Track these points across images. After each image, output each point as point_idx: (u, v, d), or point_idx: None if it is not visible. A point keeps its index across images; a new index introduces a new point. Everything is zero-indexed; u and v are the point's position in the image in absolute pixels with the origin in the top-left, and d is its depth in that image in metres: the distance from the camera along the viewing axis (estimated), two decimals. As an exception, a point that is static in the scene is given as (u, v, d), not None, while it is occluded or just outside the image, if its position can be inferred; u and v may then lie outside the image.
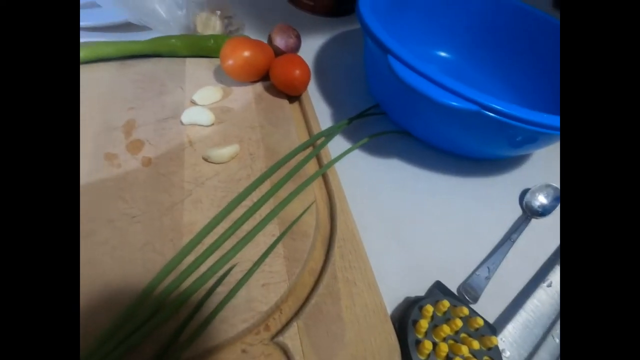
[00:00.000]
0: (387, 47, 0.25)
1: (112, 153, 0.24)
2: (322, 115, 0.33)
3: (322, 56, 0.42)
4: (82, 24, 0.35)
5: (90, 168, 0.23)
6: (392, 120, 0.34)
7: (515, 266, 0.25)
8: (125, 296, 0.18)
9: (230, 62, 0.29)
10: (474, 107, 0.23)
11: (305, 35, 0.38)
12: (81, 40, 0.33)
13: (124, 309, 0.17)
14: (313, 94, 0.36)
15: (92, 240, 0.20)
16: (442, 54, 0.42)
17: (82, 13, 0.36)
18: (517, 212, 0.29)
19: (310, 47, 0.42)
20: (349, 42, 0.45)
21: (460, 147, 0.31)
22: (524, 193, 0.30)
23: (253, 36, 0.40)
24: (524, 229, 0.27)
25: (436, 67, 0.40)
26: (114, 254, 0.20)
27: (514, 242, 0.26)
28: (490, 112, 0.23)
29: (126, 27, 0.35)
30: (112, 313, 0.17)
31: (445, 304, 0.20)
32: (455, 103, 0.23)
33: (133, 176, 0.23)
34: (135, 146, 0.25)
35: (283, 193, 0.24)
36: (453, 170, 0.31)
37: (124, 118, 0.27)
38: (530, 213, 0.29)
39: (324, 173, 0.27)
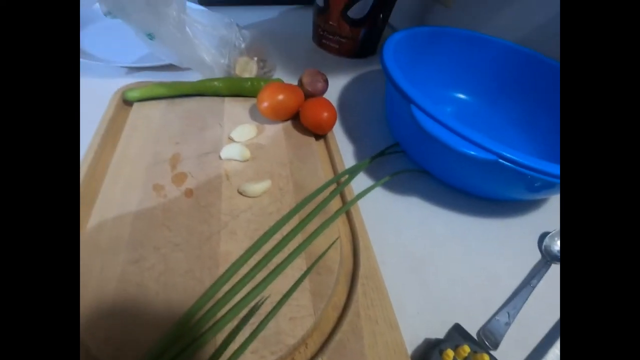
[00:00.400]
0: (411, 97, 0.28)
1: (159, 184, 0.27)
2: (345, 151, 0.36)
3: (346, 95, 0.45)
4: (136, 64, 0.40)
5: (142, 198, 0.26)
6: (411, 159, 0.36)
7: (536, 313, 0.25)
8: (167, 320, 0.20)
9: (265, 104, 0.33)
10: (492, 157, 0.24)
11: (330, 75, 0.42)
12: (136, 80, 0.38)
13: (165, 334, 0.19)
14: (336, 129, 0.38)
15: (141, 265, 0.22)
16: (460, 95, 0.44)
17: (140, 56, 0.42)
18: (536, 256, 0.30)
19: (335, 86, 0.45)
20: (370, 82, 0.48)
21: (478, 189, 0.32)
22: (543, 237, 0.31)
23: (283, 75, 0.44)
24: (544, 274, 0.27)
25: (454, 109, 0.43)
26: (159, 279, 0.22)
27: (534, 287, 0.26)
28: (508, 162, 0.24)
29: (172, 67, 0.40)
30: (154, 334, 0.19)
31: (466, 349, 0.20)
32: (473, 152, 0.25)
33: (177, 206, 0.26)
34: (179, 178, 0.28)
35: (310, 228, 0.26)
36: (471, 210, 0.32)
37: (171, 152, 0.30)
38: (549, 258, 0.29)
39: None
